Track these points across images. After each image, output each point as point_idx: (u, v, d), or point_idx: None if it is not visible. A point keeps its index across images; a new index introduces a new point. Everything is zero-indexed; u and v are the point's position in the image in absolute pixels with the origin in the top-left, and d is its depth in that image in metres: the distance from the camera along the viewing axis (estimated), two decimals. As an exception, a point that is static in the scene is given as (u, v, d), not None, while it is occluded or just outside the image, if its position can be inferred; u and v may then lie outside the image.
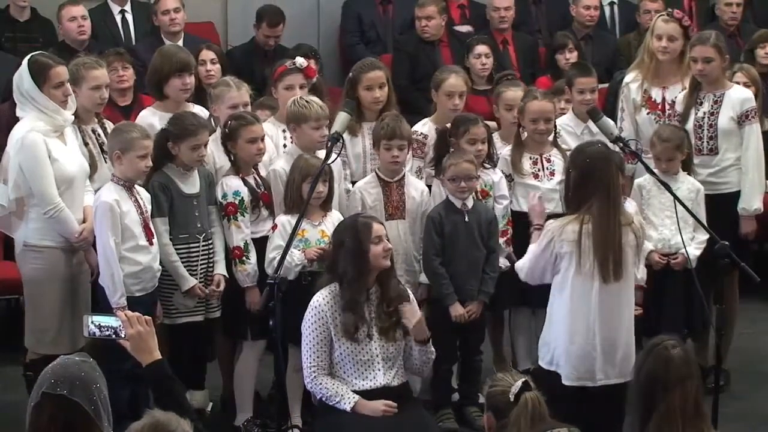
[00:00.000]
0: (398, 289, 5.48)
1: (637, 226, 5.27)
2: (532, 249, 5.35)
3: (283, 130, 6.46)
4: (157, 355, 4.01)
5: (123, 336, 4.00)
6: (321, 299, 5.41)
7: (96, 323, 4.06)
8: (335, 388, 5.37)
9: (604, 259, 5.10)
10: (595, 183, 5.13)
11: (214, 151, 6.18)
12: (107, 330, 4.05)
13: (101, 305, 5.65)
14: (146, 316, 4.04)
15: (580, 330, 5.17)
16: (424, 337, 5.45)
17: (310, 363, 5.40)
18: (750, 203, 6.67)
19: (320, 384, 5.38)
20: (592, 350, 5.17)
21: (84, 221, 5.91)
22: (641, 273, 5.89)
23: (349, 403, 5.33)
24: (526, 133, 6.59)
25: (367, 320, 5.39)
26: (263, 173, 6.20)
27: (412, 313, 5.43)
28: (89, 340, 5.84)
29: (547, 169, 6.53)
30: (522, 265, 5.43)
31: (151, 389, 4.04)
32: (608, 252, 5.09)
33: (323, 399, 5.41)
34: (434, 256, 6.20)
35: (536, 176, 6.52)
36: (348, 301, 5.37)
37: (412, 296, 5.60)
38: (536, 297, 5.54)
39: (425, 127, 6.69)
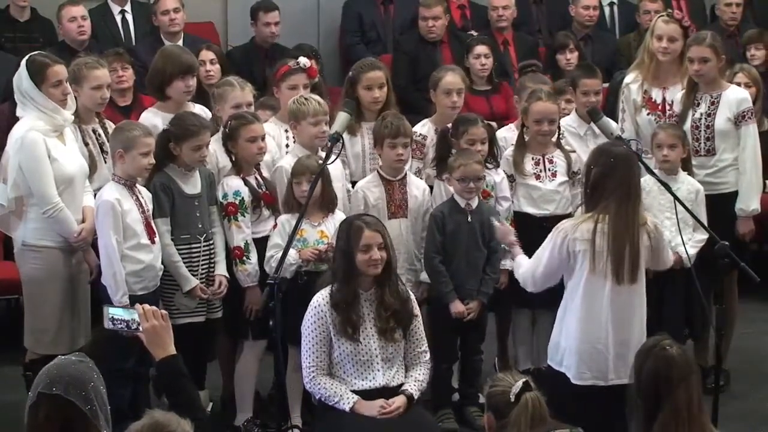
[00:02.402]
0: (398, 292, 5.46)
1: (650, 227, 5.25)
2: (539, 255, 5.26)
3: (286, 130, 6.46)
4: (172, 351, 4.03)
5: (134, 329, 4.02)
6: (321, 299, 5.39)
7: (110, 316, 4.09)
8: (334, 389, 5.36)
9: (620, 260, 5.08)
10: (616, 182, 5.09)
11: (217, 151, 6.17)
12: (120, 323, 4.08)
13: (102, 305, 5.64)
14: (163, 311, 4.06)
15: (593, 329, 5.15)
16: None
17: (309, 363, 5.39)
18: (748, 204, 6.66)
19: (319, 384, 5.37)
20: (605, 350, 5.14)
21: (83, 221, 5.92)
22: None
23: (348, 403, 5.32)
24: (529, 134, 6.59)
25: (363, 320, 5.38)
26: (265, 173, 6.20)
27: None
28: (89, 340, 5.89)
29: (549, 170, 6.52)
30: (526, 274, 5.31)
31: (163, 384, 4.05)
32: (624, 252, 5.08)
33: (322, 399, 5.41)
34: (434, 253, 6.20)
35: (538, 177, 6.51)
36: (338, 300, 5.35)
37: (412, 295, 5.60)
38: (537, 298, 5.52)
39: (424, 128, 6.68)
